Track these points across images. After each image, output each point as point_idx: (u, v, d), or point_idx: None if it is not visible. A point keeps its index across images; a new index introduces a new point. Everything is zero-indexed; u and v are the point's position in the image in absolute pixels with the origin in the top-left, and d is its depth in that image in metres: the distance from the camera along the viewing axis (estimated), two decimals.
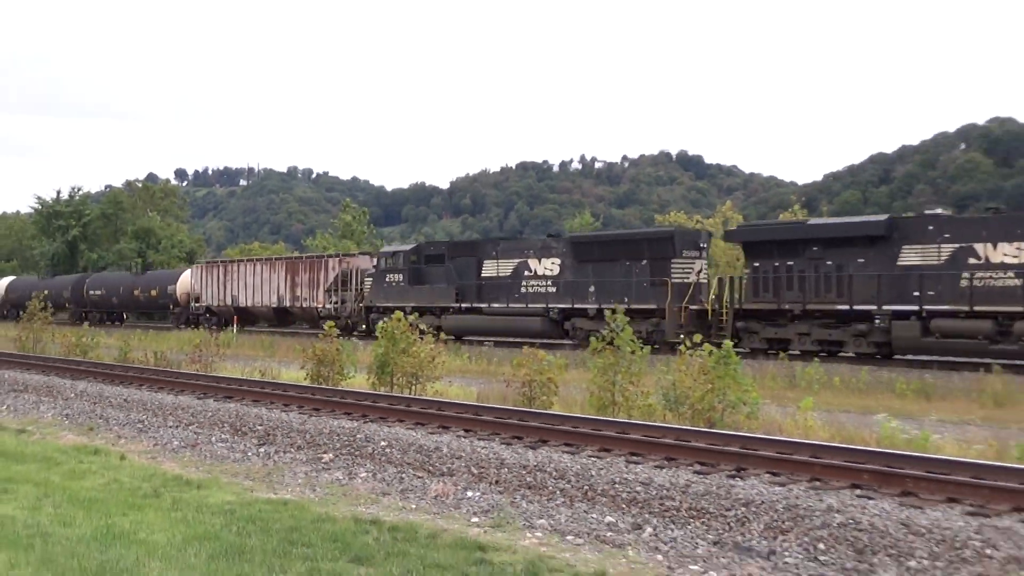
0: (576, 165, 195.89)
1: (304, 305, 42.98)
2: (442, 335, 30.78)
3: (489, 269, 33.84)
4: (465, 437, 12.39)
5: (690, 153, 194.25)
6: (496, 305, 32.90)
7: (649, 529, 8.38)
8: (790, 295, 25.54)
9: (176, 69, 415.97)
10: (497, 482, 10.19)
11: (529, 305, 31.93)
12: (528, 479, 10.10)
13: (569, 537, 8.26)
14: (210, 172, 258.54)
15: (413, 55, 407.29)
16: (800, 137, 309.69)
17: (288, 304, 43.71)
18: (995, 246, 22.09)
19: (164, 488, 9.96)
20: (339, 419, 14.18)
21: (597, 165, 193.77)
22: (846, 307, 24.39)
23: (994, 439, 12.37)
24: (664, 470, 10.06)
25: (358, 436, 12.58)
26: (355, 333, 37.79)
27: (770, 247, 26.58)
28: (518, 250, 33.57)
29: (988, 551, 7.10)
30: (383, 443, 12.09)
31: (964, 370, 20.95)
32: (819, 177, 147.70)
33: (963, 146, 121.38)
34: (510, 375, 16.88)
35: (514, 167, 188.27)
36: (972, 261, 22.36)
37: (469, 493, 9.88)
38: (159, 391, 18.49)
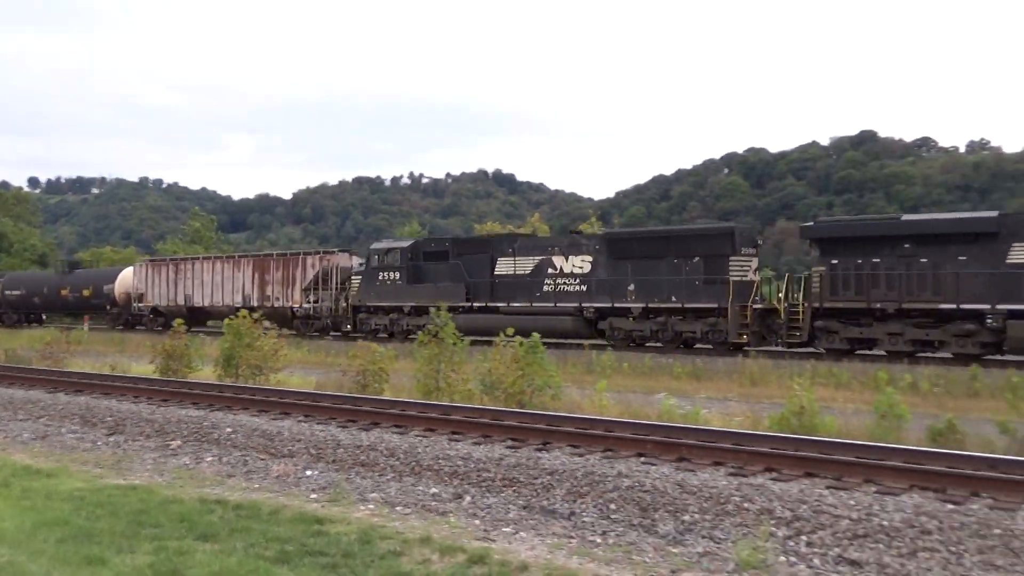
0: (406, 180, 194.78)
1: (276, 304, 35.72)
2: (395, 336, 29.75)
3: (504, 266, 28.90)
4: (305, 422, 12.07)
5: (504, 171, 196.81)
6: (517, 304, 27.98)
7: (468, 498, 8.41)
8: (878, 294, 21.67)
9: (28, 78, 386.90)
10: (334, 461, 9.97)
11: (558, 304, 27.23)
12: (362, 457, 9.94)
13: (398, 508, 8.18)
14: (63, 180, 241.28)
15: (258, 70, 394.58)
16: (596, 159, 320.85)
17: (257, 304, 35.84)
18: None
19: (13, 478, 9.19)
20: (187, 408, 13.52)
21: (424, 180, 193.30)
22: (951, 306, 20.63)
23: (750, 412, 13.13)
24: (481, 446, 10.12)
25: (205, 424, 12.04)
26: (333, 333, 33.57)
27: (853, 243, 22.52)
28: (540, 247, 29.08)
29: (746, 505, 7.50)
30: (228, 429, 11.61)
31: (726, 355, 22.14)
32: (612, 194, 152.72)
33: (726, 170, 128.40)
34: (346, 365, 16.60)
35: (351, 181, 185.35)
36: None
37: (308, 472, 9.63)
38: (10, 387, 17.07)
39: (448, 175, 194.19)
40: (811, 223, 26.41)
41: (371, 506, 8.23)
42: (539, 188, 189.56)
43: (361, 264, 33.94)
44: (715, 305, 24.13)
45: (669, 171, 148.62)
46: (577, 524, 7.55)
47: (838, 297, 22.30)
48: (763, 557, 6.38)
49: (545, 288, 27.72)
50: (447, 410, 12.55)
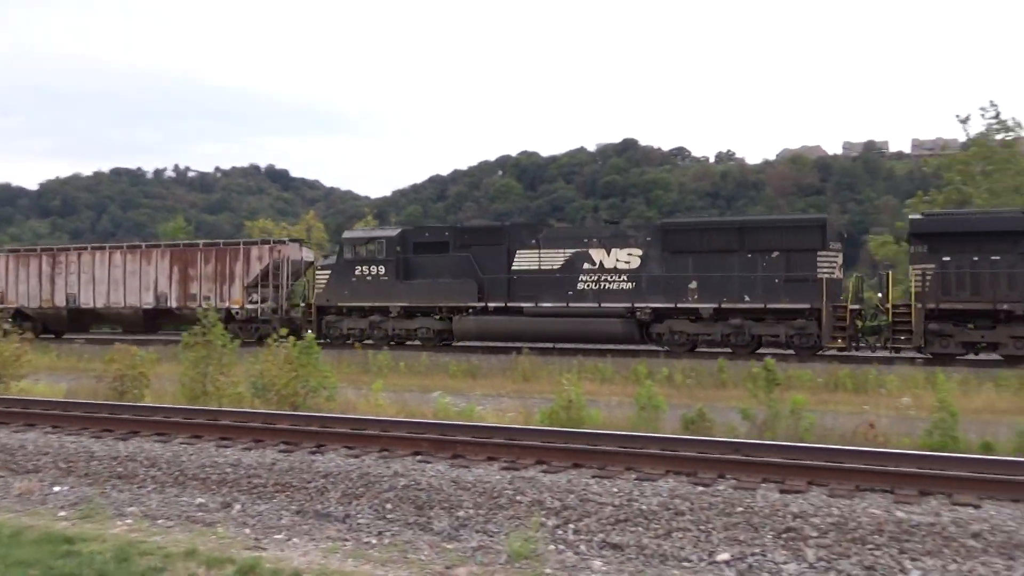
0: (170, 173, 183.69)
1: (207, 306, 27.48)
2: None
3: (525, 260, 24.66)
4: (53, 433, 11.07)
5: (277, 167, 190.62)
6: (547, 304, 23.95)
7: (238, 506, 8.08)
8: (1000, 294, 19.82)
9: None
10: (87, 475, 9.23)
11: (603, 304, 23.48)
12: (119, 469, 9.28)
13: (160, 521, 7.71)
14: None
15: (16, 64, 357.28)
16: (372, 158, 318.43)
17: (176, 304, 29.69)
18: None
19: None
20: None
21: (190, 174, 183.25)
22: None
23: (523, 407, 13.55)
24: (252, 451, 9.75)
25: None
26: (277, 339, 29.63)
27: (969, 239, 20.40)
28: (573, 238, 25.25)
29: (518, 497, 7.74)
30: None
31: (500, 353, 22.72)
32: (388, 193, 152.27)
33: (500, 172, 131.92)
34: (102, 370, 15.42)
35: (108, 172, 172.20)
36: None
37: (56, 488, 8.85)
38: None
39: (217, 169, 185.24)
40: (918, 216, 22.97)
41: (129, 521, 7.70)
42: (314, 185, 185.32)
43: (326, 257, 29.31)
44: (806, 306, 21.56)
45: (445, 171, 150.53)
46: (352, 526, 7.46)
47: (951, 297, 20.31)
48: (534, 547, 6.61)
49: (580, 286, 23.92)
50: (215, 415, 11.99)
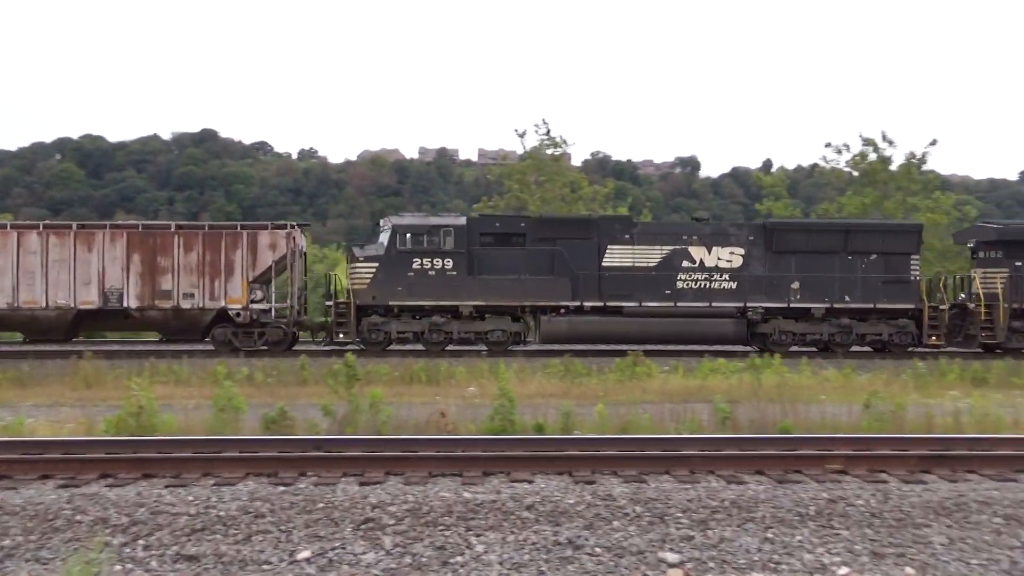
0: None
1: (188, 305, 22.86)
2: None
3: (617, 256, 23.05)
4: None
5: None
6: (651, 303, 22.63)
7: None
8: None
9: None
10: None
11: (713, 304, 22.77)
12: None
13: None
14: None
15: None
16: None
17: (138, 303, 22.76)
18: None
19: None
20: None
21: None
22: None
23: (84, 417, 12.30)
24: None
25: None
26: (322, 346, 23.35)
27: (1019, 247, 23.45)
28: (669, 234, 23.88)
29: (78, 517, 7.01)
30: None
31: (57, 358, 20.36)
32: None
33: (59, 156, 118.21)
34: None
35: None
36: None
37: None
38: None
39: None
40: (998, 225, 25.58)
41: None
42: None
43: (363, 246, 23.90)
44: (910, 306, 23.33)
45: None
46: None
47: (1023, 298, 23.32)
48: (96, 570, 6.03)
49: (679, 284, 23.09)
50: None
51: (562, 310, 22.79)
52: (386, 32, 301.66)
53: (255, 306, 23.04)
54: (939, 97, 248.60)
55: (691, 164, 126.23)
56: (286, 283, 24.20)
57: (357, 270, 22.95)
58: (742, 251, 23.44)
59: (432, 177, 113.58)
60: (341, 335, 22.43)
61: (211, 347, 22.98)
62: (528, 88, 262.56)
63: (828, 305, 23.18)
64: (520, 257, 22.94)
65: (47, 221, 26.00)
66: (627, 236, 23.51)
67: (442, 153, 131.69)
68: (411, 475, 8.29)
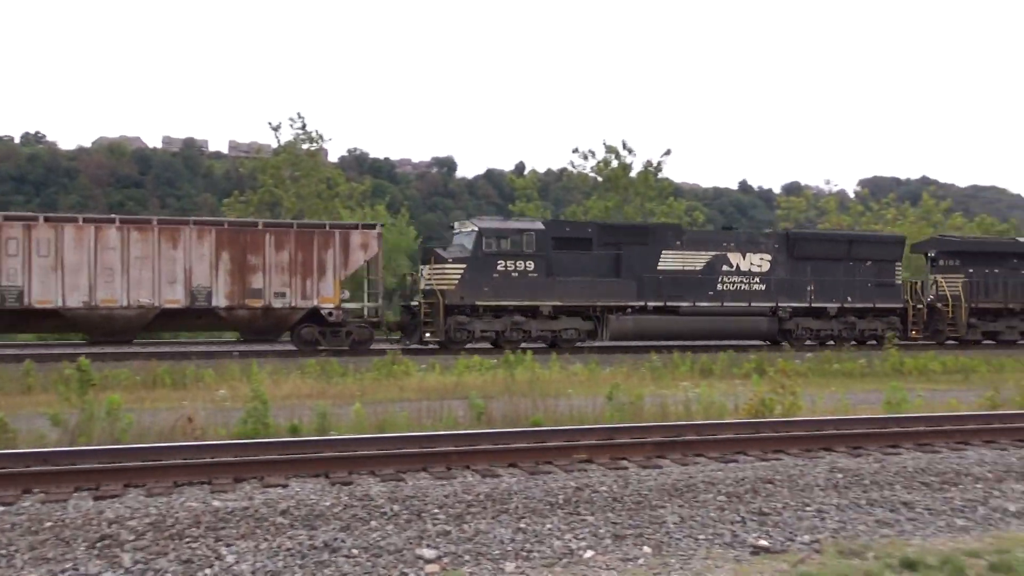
0: None
1: (279, 304, 22.70)
2: None
3: (670, 260, 25.84)
4: None
5: None
6: (703, 304, 25.74)
7: None
8: (1002, 296, 29.49)
9: None
10: None
11: (752, 304, 26.38)
12: None
13: None
14: None
15: None
16: None
17: (227, 303, 22.24)
18: None
19: None
20: None
21: None
22: None
23: None
24: None
25: None
26: (412, 345, 24.06)
27: (982, 258, 29.86)
28: (712, 241, 27.03)
29: None
30: None
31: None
32: None
33: None
34: None
35: None
36: None
37: None
38: None
39: None
40: (956, 238, 33.19)
41: None
42: None
43: (447, 248, 25.22)
44: (898, 305, 28.20)
45: None
46: None
47: (978, 299, 28.92)
48: None
49: (720, 287, 26.13)
50: None
51: (628, 310, 24.99)
52: (125, 10, 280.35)
53: (347, 305, 23.61)
54: (673, 110, 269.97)
55: (448, 164, 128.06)
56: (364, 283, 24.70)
57: (446, 271, 23.96)
58: (769, 257, 26.88)
59: (178, 169, 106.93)
60: (428, 334, 23.45)
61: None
62: (282, 80, 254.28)
63: (839, 305, 27.30)
64: (587, 260, 25.04)
65: (121, 215, 24.68)
66: (678, 242, 26.21)
67: (189, 143, 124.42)
68: (154, 486, 7.77)
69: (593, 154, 42.16)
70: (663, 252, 25.76)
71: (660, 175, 41.65)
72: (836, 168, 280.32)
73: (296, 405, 13.11)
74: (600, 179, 41.96)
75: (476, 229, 24.45)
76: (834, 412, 13.14)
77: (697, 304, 25.66)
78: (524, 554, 6.30)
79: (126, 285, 21.76)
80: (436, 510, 7.16)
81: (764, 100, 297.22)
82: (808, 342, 26.60)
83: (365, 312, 24.03)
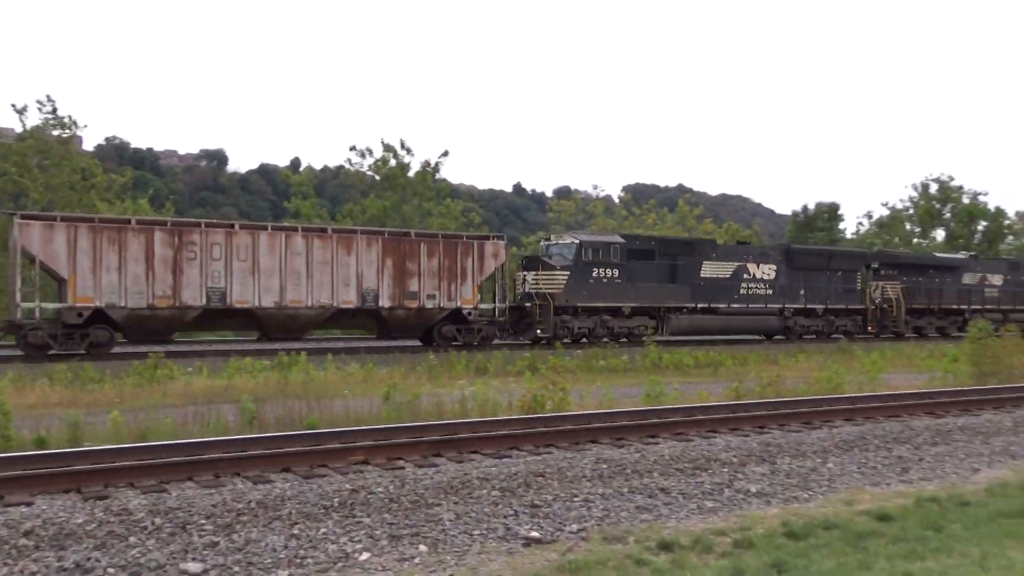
0: None
1: (430, 304, 25.49)
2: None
3: (709, 270, 30.80)
4: None
5: None
6: (736, 305, 31.25)
7: None
8: (922, 300, 36.56)
9: None
10: None
11: (768, 305, 32.08)
12: None
13: None
14: None
15: None
16: None
17: (389, 303, 24.80)
18: None
19: None
20: None
21: None
22: (951, 306, 37.60)
23: None
24: None
25: None
26: (526, 339, 27.31)
27: (912, 269, 37.39)
28: (736, 253, 32.22)
29: None
30: None
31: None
32: None
33: None
34: None
35: None
36: None
37: None
38: None
39: None
40: (895, 252, 42.14)
41: None
42: None
43: (551, 258, 28.32)
44: (862, 306, 35.22)
45: None
46: None
47: (911, 302, 35.84)
48: None
49: (741, 291, 31.32)
50: None
51: (684, 310, 29.78)
52: None
53: (483, 306, 26.77)
54: (451, 112, 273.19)
55: (218, 158, 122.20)
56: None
57: (555, 277, 27.61)
58: (775, 267, 32.39)
59: None
60: (539, 331, 26.91)
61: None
62: (31, 60, 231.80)
63: (824, 306, 33.59)
64: (650, 269, 29.29)
65: (310, 225, 27.26)
66: (714, 254, 31.29)
67: None
68: None
69: (371, 152, 41.87)
70: (704, 263, 30.76)
71: (438, 176, 42.06)
72: (603, 174, 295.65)
73: (44, 415, 12.02)
74: (378, 178, 41.71)
75: (576, 241, 28.41)
76: (600, 406, 13.84)
77: (730, 306, 31.08)
78: (298, 561, 6.12)
79: (311, 287, 23.80)
80: (203, 521, 6.80)
81: (537, 106, 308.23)
82: (806, 336, 33.29)
83: (496, 312, 27.10)
